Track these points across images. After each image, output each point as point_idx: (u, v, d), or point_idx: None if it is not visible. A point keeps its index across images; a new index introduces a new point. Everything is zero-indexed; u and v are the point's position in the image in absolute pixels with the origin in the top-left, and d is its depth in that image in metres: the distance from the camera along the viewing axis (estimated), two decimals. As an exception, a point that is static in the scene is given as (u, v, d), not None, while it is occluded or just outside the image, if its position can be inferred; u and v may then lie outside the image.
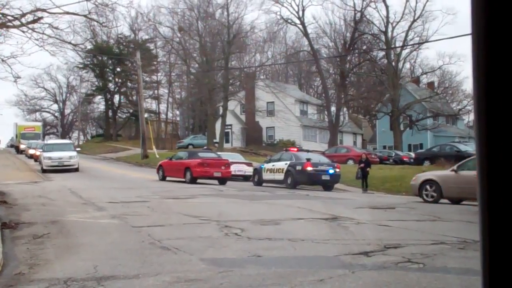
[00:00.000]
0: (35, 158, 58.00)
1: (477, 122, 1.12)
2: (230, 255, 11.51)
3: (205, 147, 48.59)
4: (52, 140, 60.70)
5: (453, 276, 9.39)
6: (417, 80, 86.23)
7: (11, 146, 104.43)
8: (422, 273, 9.58)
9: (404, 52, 74.22)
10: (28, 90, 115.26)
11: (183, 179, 36.36)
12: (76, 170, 45.02)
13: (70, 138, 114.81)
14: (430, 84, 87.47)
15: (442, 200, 25.64)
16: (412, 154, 61.43)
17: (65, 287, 8.85)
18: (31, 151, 65.33)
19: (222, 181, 36.71)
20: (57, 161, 44.76)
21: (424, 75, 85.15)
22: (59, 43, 28.73)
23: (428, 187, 26.45)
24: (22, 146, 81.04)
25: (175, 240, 12.89)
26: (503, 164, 1.07)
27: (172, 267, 10.13)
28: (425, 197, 26.30)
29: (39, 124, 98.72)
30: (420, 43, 70.84)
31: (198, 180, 35.54)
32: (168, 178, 38.08)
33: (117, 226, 15.70)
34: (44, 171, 44.25)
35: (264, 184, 35.21)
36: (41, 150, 50.03)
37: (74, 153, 46.80)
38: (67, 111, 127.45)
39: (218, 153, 44.51)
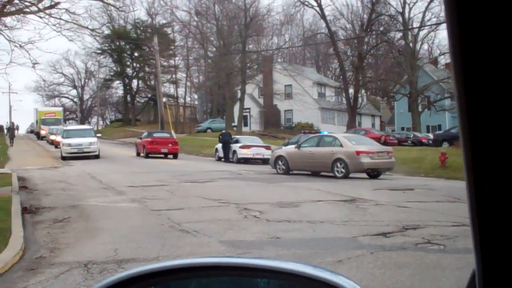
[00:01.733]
0: (56, 145, 56.30)
1: (460, 116, 1.07)
2: (249, 237, 11.51)
3: (223, 131, 48.37)
4: (72, 126, 59.64)
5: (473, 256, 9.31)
6: (435, 61, 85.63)
7: (31, 132, 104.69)
8: (442, 254, 9.52)
9: (422, 33, 73.65)
10: (47, 75, 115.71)
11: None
12: (97, 157, 42.77)
13: (89, 123, 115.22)
14: (448, 65, 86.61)
15: (448, 180, 25.46)
16: (431, 136, 61.06)
17: (85, 270, 8.89)
18: (53, 137, 63.12)
19: (173, 155, 45.06)
20: (77, 148, 42.59)
21: (442, 56, 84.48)
22: (77, 28, 28.79)
23: (280, 161, 30.35)
24: (42, 132, 79.63)
25: (194, 223, 12.93)
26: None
27: (191, 249, 10.15)
28: (278, 170, 30.27)
29: (60, 109, 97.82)
30: (437, 24, 70.13)
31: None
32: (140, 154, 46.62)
33: (136, 209, 15.77)
34: (63, 158, 42.35)
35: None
36: (61, 136, 48.36)
37: (94, 139, 44.29)
38: (85, 96, 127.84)
39: (237, 136, 45.55)
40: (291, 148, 31.05)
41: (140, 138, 48.76)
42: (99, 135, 51.24)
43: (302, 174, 29.47)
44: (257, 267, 1.44)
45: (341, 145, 28.09)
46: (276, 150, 33.45)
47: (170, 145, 45.26)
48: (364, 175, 27.96)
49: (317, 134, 35.70)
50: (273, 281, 1.46)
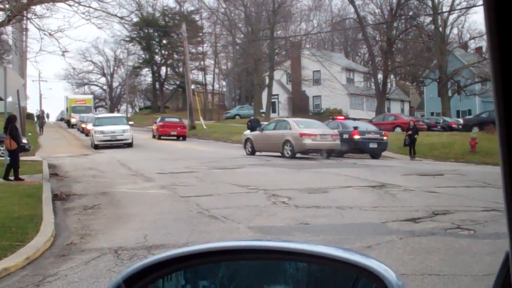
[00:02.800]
0: (87, 133, 54.79)
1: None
2: (277, 223, 11.53)
3: (252, 117, 48.38)
4: (103, 114, 59.23)
5: (504, 241, 9.24)
6: (465, 46, 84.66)
7: (61, 119, 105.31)
8: (472, 239, 9.46)
9: (451, 17, 72.80)
10: (76, 63, 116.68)
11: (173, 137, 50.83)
12: (130, 145, 40.94)
13: (118, 110, 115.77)
14: (478, 49, 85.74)
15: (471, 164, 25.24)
16: (461, 120, 60.52)
17: (115, 256, 8.96)
18: (84, 125, 61.20)
19: (182, 138, 51.30)
20: (110, 135, 40.43)
21: (472, 40, 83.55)
22: (106, 16, 28.89)
23: (248, 143, 34.22)
24: (73, 120, 79.06)
25: (223, 209, 12.96)
26: None
27: (220, 235, 10.19)
28: (246, 151, 34.06)
29: (90, 97, 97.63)
30: (467, 8, 69.41)
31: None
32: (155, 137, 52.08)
33: (166, 196, 15.85)
34: (96, 146, 40.66)
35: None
36: (92, 124, 46.19)
37: (127, 127, 42.42)
38: (115, 84, 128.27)
39: (265, 122, 45.39)
40: (257, 132, 34.28)
41: (155, 123, 54.73)
42: (131, 122, 50.12)
43: (332, 161, 29.44)
44: (286, 250, 1.43)
45: (290, 128, 31.22)
46: (245, 133, 37.19)
47: (178, 128, 51.69)
48: (393, 161, 27.83)
49: (277, 119, 38.99)
50: (302, 264, 1.45)
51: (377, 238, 9.61)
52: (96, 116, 51.84)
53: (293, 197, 14.75)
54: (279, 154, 31.44)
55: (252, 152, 33.39)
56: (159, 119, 56.34)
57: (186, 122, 65.94)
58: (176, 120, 55.13)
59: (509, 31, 0.94)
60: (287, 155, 30.50)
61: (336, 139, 31.13)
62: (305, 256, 1.42)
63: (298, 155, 30.75)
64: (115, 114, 57.46)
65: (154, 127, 54.38)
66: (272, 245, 1.46)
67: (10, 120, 20.53)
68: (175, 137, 51.15)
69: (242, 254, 1.47)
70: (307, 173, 21.96)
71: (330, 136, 31.01)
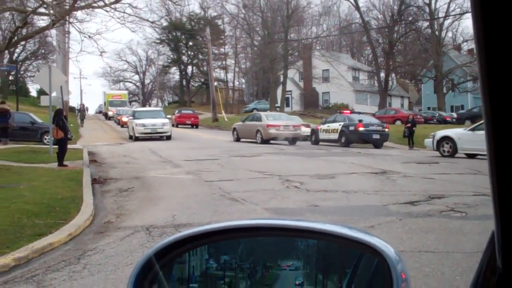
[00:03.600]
0: (122, 124, 54.82)
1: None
2: (290, 205, 11.53)
3: (268, 111, 48.37)
4: (142, 108, 58.68)
5: (492, 222, 9.20)
6: (458, 47, 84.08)
7: (99, 112, 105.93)
8: (464, 221, 9.42)
9: (447, 22, 72.61)
10: (112, 63, 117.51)
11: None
12: (169, 138, 37.83)
13: (149, 105, 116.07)
14: (471, 51, 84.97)
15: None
16: (454, 115, 60.18)
17: (147, 233, 9.02)
18: (120, 117, 61.06)
19: (195, 126, 56.94)
20: (151, 128, 37.56)
21: (465, 43, 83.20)
22: (138, 21, 28.97)
23: (234, 132, 37.85)
24: (110, 113, 79.80)
25: (242, 193, 12.97)
26: None
27: (239, 215, 10.21)
28: (233, 138, 37.36)
29: (125, 92, 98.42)
30: (461, 14, 69.04)
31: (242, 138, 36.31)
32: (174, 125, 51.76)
33: (191, 180, 15.88)
34: (136, 138, 37.49)
35: (320, 143, 35.07)
36: (130, 117, 43.24)
37: (166, 120, 39.39)
38: (146, 81, 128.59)
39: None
40: (240, 122, 38.09)
41: (174, 114, 59.60)
42: (169, 116, 45.73)
43: (337, 149, 29.35)
44: (298, 228, 1.44)
45: (261, 120, 34.67)
46: (234, 125, 39.79)
47: (192, 118, 58.26)
48: (394, 150, 27.70)
49: (254, 113, 41.53)
50: (312, 241, 1.46)
51: (378, 219, 9.60)
52: (135, 109, 49.40)
53: (304, 182, 14.73)
54: (278, 142, 33.64)
55: (238, 139, 36.81)
56: (176, 111, 62.37)
57: (208, 115, 66.38)
58: (190, 112, 62.00)
59: (494, 36, 0.94)
60: (258, 141, 33.91)
61: (297, 129, 34.55)
62: (315, 234, 1.42)
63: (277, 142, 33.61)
64: (154, 108, 56.34)
65: (173, 117, 56.95)
66: (286, 224, 1.46)
67: (58, 113, 20.67)
68: (189, 126, 56.88)
69: (258, 231, 1.48)
70: (316, 161, 21.91)
71: (292, 126, 34.25)
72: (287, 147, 30.96)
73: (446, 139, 24.83)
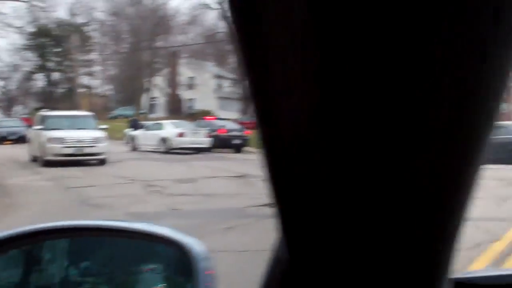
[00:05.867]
0: None
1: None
2: (151, 209, 11.51)
3: (133, 118, 47.72)
4: (55, 112, 29.19)
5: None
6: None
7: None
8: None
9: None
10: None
11: None
12: (102, 162, 22.49)
13: (11, 111, 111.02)
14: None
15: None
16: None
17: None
18: None
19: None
20: (74, 147, 22.01)
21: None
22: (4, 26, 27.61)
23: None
24: None
25: (105, 198, 12.78)
26: None
27: (99, 221, 10.03)
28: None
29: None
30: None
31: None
32: None
33: (52, 187, 15.40)
34: (46, 163, 21.35)
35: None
36: (36, 127, 24.17)
37: (99, 134, 23.35)
38: (11, 87, 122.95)
39: (146, 122, 45.03)
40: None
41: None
42: (105, 126, 27.89)
43: (196, 155, 29.53)
44: (102, 227, 1.49)
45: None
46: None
47: None
48: (253, 155, 28.17)
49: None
50: (120, 240, 1.51)
51: (237, 221, 9.80)
52: (45, 113, 26.97)
53: (166, 186, 14.74)
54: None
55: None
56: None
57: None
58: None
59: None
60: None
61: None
62: (119, 232, 1.48)
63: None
64: (77, 113, 28.89)
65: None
66: (87, 224, 1.50)
67: None
68: None
69: (61, 233, 1.51)
70: (179, 166, 21.86)
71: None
72: (152, 153, 30.65)
73: None
